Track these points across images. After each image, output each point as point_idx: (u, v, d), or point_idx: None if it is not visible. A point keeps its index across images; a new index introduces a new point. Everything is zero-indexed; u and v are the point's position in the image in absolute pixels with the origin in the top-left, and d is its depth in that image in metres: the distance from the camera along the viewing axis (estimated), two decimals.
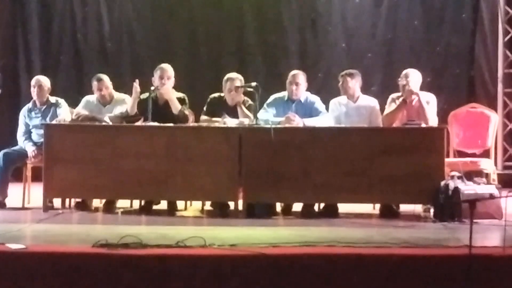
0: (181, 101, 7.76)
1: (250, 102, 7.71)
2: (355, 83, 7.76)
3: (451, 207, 6.74)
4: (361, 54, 10.24)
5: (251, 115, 7.56)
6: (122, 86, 8.43)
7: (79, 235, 5.89)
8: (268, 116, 7.56)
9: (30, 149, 7.79)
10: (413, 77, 7.62)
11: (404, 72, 7.70)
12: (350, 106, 7.78)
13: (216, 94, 7.87)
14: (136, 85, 7.60)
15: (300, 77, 7.71)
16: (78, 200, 7.64)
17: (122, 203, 7.76)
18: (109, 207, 7.57)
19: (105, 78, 8.00)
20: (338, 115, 7.75)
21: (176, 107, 7.64)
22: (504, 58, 10.03)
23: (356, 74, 7.80)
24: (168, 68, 7.79)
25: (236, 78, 7.74)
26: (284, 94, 7.79)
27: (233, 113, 7.62)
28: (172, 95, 7.67)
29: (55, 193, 7.42)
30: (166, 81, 7.70)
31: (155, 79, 7.73)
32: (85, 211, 7.49)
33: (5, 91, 10.29)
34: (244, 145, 7.14)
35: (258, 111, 7.48)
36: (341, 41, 10.36)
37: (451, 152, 7.90)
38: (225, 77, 7.78)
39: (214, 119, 7.61)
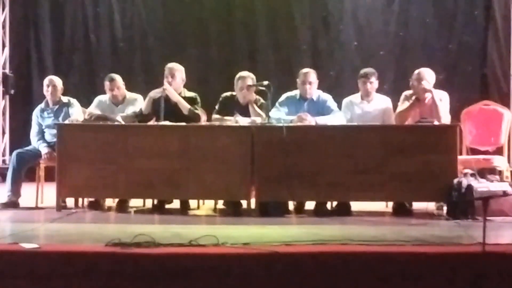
0: (193, 100, 7.77)
1: (262, 100, 7.70)
2: (376, 84, 7.74)
3: (464, 205, 6.72)
4: (373, 52, 10.23)
5: (263, 113, 7.55)
6: (134, 85, 8.45)
7: (92, 235, 5.90)
8: (280, 115, 7.56)
9: (44, 151, 7.81)
10: (426, 76, 7.58)
11: (416, 71, 7.67)
12: (364, 107, 7.75)
13: (228, 93, 7.87)
14: (165, 85, 7.61)
15: (312, 75, 7.69)
16: (91, 199, 7.66)
17: (135, 202, 7.77)
18: (122, 207, 7.58)
19: (118, 78, 8.01)
20: (351, 116, 7.72)
21: (184, 107, 7.64)
22: None
23: (376, 73, 7.76)
24: (173, 66, 7.79)
25: (247, 76, 7.73)
26: (296, 92, 7.77)
27: (245, 112, 7.62)
28: (178, 97, 7.67)
29: (68, 193, 7.44)
30: (170, 79, 7.70)
31: (165, 79, 7.75)
32: (98, 211, 7.51)
33: (17, 92, 10.36)
34: (256, 144, 7.14)
35: (270, 109, 7.48)
36: (352, 39, 10.34)
37: (464, 150, 7.87)
38: (237, 76, 7.78)
39: (226, 118, 7.61)
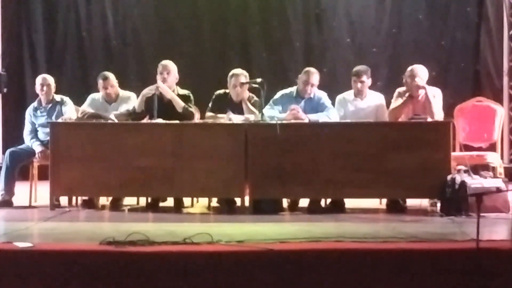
0: (186, 98, 7.76)
1: (255, 98, 7.71)
2: (369, 82, 7.74)
3: (458, 201, 6.73)
4: (366, 49, 10.24)
5: (256, 111, 7.56)
6: (127, 83, 8.44)
7: (86, 233, 5.90)
8: (273, 113, 7.54)
9: (38, 149, 7.79)
10: (419, 73, 7.59)
11: (409, 68, 7.68)
12: (358, 104, 7.75)
13: (221, 91, 7.87)
14: (159, 82, 7.60)
15: (316, 77, 7.64)
16: (85, 198, 7.65)
17: (129, 201, 7.77)
18: (116, 205, 7.59)
19: (111, 76, 8.00)
20: (344, 113, 7.72)
21: (178, 105, 7.63)
22: (509, 51, 10.02)
23: (368, 71, 7.75)
24: (167, 64, 7.79)
25: (240, 74, 7.73)
26: (291, 90, 7.76)
27: (239, 110, 7.63)
28: (172, 94, 7.66)
29: (61, 191, 7.43)
30: (166, 76, 7.70)
31: (158, 76, 7.74)
32: (91, 209, 7.50)
33: (10, 90, 10.30)
34: (250, 141, 7.14)
35: (263, 107, 7.47)
36: (345, 36, 10.35)
37: (457, 146, 7.88)
38: (230, 73, 7.78)
39: (219, 115, 7.61)
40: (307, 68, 7.76)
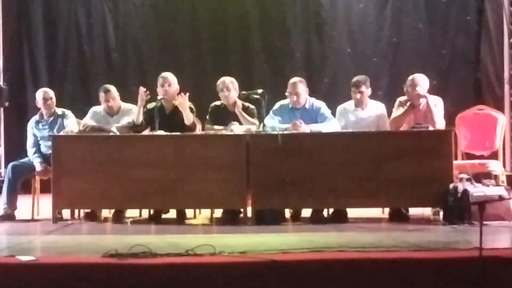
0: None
1: (251, 106, 7.72)
2: (369, 91, 7.73)
3: (460, 210, 6.73)
4: (366, 58, 10.24)
5: (256, 121, 7.57)
6: (129, 96, 8.43)
7: (89, 246, 5.90)
8: (274, 123, 7.56)
9: (38, 167, 7.77)
10: (420, 82, 7.59)
11: (410, 77, 7.68)
12: (359, 114, 7.74)
13: (217, 102, 7.88)
14: (142, 91, 7.60)
15: (299, 86, 7.64)
16: (87, 210, 7.65)
17: (131, 213, 7.76)
18: (118, 217, 7.58)
19: (112, 89, 8.00)
20: (345, 123, 7.72)
21: (188, 118, 7.63)
22: (510, 59, 10.01)
23: (367, 81, 7.74)
24: (168, 76, 7.80)
25: (225, 79, 7.77)
26: (288, 101, 7.76)
27: (236, 119, 7.63)
28: (187, 108, 7.63)
29: (64, 204, 7.43)
30: (167, 88, 7.71)
31: (158, 89, 7.75)
32: (94, 222, 7.49)
33: (12, 104, 10.32)
34: (251, 152, 7.14)
35: (265, 117, 7.47)
36: (346, 45, 10.35)
37: (459, 155, 7.89)
38: (217, 83, 7.80)
39: (216, 127, 7.62)
40: (291, 79, 7.76)
